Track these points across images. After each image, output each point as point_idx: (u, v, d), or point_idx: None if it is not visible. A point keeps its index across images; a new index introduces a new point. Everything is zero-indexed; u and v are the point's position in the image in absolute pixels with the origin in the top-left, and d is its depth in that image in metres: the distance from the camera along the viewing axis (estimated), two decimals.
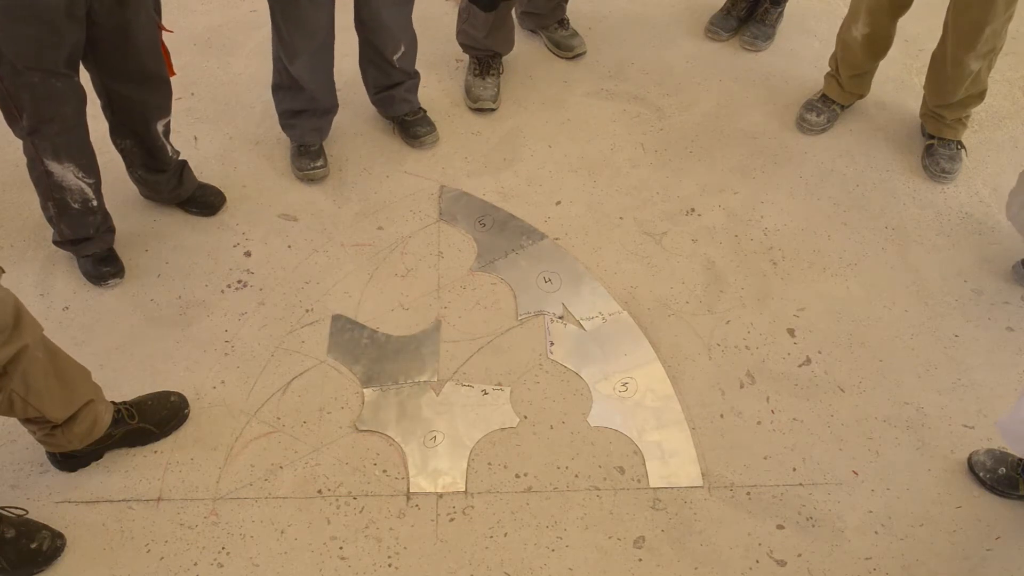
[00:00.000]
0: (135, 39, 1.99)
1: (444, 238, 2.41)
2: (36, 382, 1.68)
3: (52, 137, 2.00)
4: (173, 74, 2.16)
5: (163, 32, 2.08)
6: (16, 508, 1.80)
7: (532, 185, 2.56)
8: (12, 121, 1.98)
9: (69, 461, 1.93)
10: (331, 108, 2.51)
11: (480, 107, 2.76)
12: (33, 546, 1.77)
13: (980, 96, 2.54)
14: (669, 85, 2.89)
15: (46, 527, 1.81)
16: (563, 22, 2.97)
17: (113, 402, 1.93)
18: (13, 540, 1.76)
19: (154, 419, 1.98)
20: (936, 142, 2.62)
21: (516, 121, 2.76)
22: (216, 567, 1.80)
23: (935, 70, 2.54)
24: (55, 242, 2.26)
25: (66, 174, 2.07)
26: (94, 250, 2.25)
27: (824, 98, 2.75)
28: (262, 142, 2.64)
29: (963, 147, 2.62)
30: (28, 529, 1.79)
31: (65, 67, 1.90)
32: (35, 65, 1.86)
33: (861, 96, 2.75)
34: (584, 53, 2.98)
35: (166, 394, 2.02)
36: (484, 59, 2.77)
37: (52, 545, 1.80)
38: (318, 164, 2.52)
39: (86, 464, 1.95)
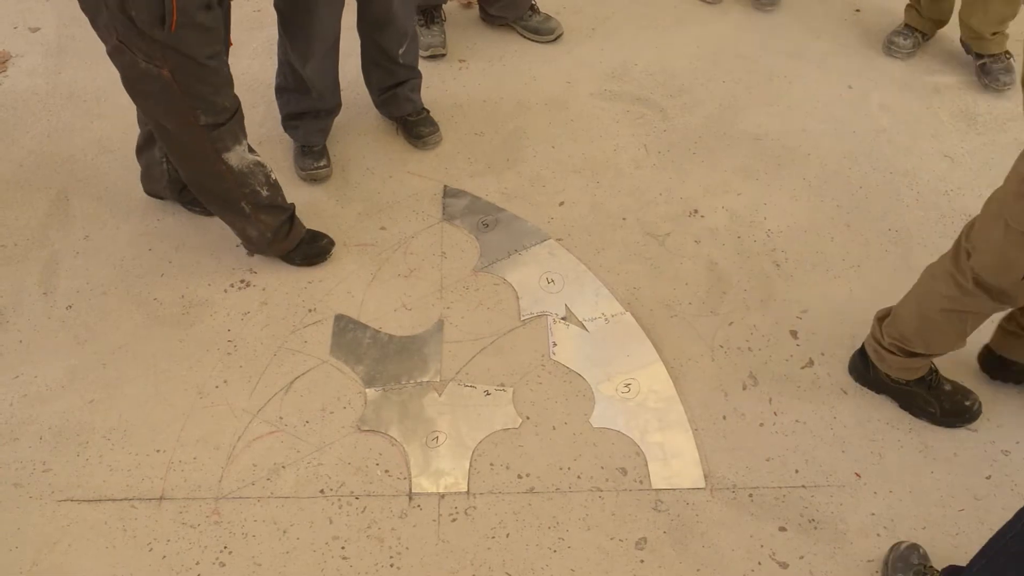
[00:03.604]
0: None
1: (447, 238, 2.41)
2: None
3: (230, 122, 1.98)
4: (230, 44, 2.11)
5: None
6: None
7: (535, 186, 2.56)
8: (183, 129, 1.92)
9: None
10: (335, 108, 2.51)
11: (432, 54, 2.89)
12: (965, 402, 2.01)
13: (1013, 7, 2.72)
14: (672, 86, 2.89)
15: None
16: (534, 7, 3.01)
17: None
18: (950, 393, 2.01)
19: None
20: (987, 59, 2.85)
21: (519, 122, 2.77)
22: (218, 566, 1.80)
23: None
24: (266, 249, 2.26)
25: (244, 155, 2.04)
26: (301, 232, 2.26)
27: (907, 27, 2.96)
28: (264, 142, 2.64)
29: (1011, 55, 2.85)
30: (958, 386, 2.03)
31: (222, 45, 1.90)
32: (212, 52, 1.84)
33: (942, 23, 2.94)
34: (563, 34, 3.00)
35: None
36: (427, 9, 2.89)
37: (975, 403, 2.02)
38: (321, 164, 2.52)
39: None
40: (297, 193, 2.51)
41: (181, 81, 1.82)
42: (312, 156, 2.52)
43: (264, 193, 2.12)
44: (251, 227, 2.17)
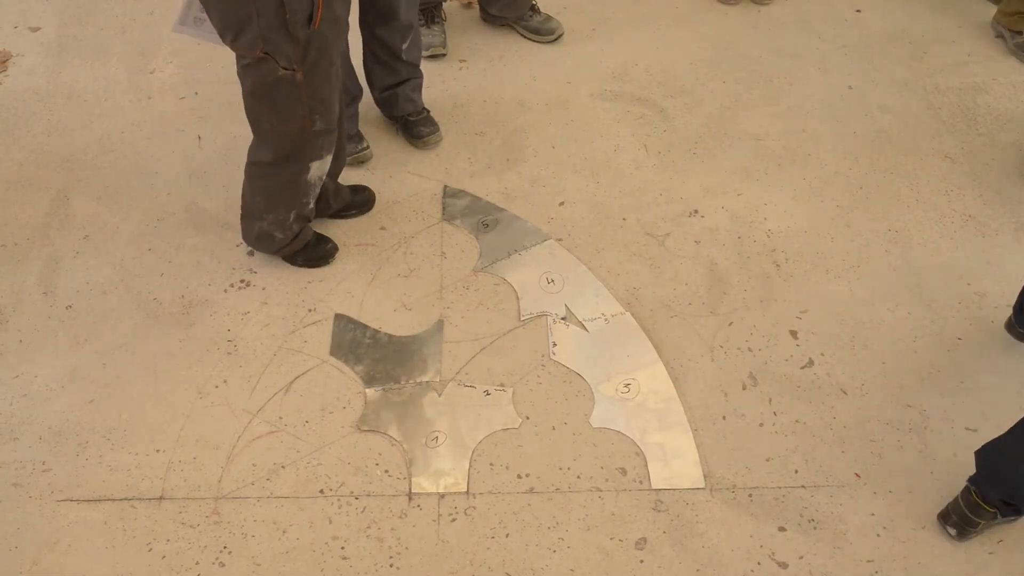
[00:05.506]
0: None
1: (447, 238, 2.41)
2: None
3: (335, 131, 2.03)
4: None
5: None
6: None
7: (535, 186, 2.56)
8: (295, 134, 1.95)
9: None
10: (358, 95, 2.55)
11: (432, 54, 2.89)
12: None
13: None
14: (673, 86, 2.89)
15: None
16: (534, 7, 3.01)
17: None
18: None
19: None
20: None
21: (520, 122, 2.77)
22: (218, 566, 1.80)
23: None
24: (279, 251, 2.26)
25: (324, 167, 2.09)
26: (308, 235, 2.28)
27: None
28: None
29: None
30: None
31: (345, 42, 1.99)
32: (340, 48, 1.90)
33: None
34: (563, 34, 3.00)
35: None
36: (427, 9, 2.89)
37: None
38: (363, 146, 2.57)
39: None
40: None
41: (311, 83, 1.87)
42: (352, 141, 2.56)
43: (310, 206, 2.16)
44: (281, 232, 2.19)
